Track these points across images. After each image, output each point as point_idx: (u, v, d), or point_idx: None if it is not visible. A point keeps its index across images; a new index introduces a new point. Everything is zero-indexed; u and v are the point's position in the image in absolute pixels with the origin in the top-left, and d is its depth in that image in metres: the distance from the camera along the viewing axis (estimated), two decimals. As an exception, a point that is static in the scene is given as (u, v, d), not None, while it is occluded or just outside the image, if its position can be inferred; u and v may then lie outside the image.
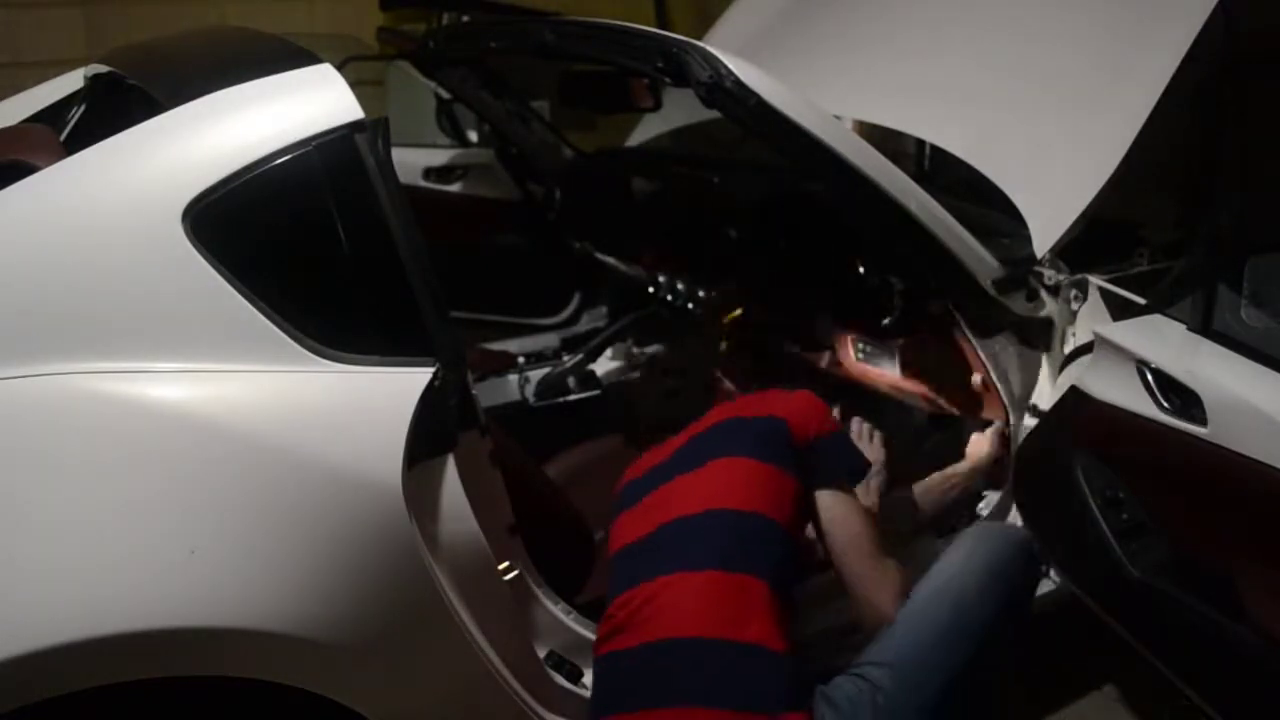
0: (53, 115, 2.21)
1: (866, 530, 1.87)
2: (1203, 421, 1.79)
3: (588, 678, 1.89)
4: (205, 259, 1.50)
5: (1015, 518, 2.30)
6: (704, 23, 3.35)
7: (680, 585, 1.72)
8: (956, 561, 1.87)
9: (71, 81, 2.29)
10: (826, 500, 1.87)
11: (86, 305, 1.48)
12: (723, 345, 2.94)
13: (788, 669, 1.68)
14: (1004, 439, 2.32)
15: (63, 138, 2.09)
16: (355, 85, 1.66)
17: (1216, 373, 1.80)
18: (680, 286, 3.01)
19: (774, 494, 1.82)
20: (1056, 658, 2.39)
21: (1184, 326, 1.91)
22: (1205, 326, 1.86)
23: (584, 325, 3.54)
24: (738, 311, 2.80)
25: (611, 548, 1.92)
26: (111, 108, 2.12)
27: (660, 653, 1.68)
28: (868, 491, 2.07)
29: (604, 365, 3.20)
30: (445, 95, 3.63)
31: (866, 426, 2.29)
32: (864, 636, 1.82)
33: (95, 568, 1.39)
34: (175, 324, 1.50)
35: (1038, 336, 2.28)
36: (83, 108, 2.21)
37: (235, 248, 1.52)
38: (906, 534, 2.23)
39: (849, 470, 1.93)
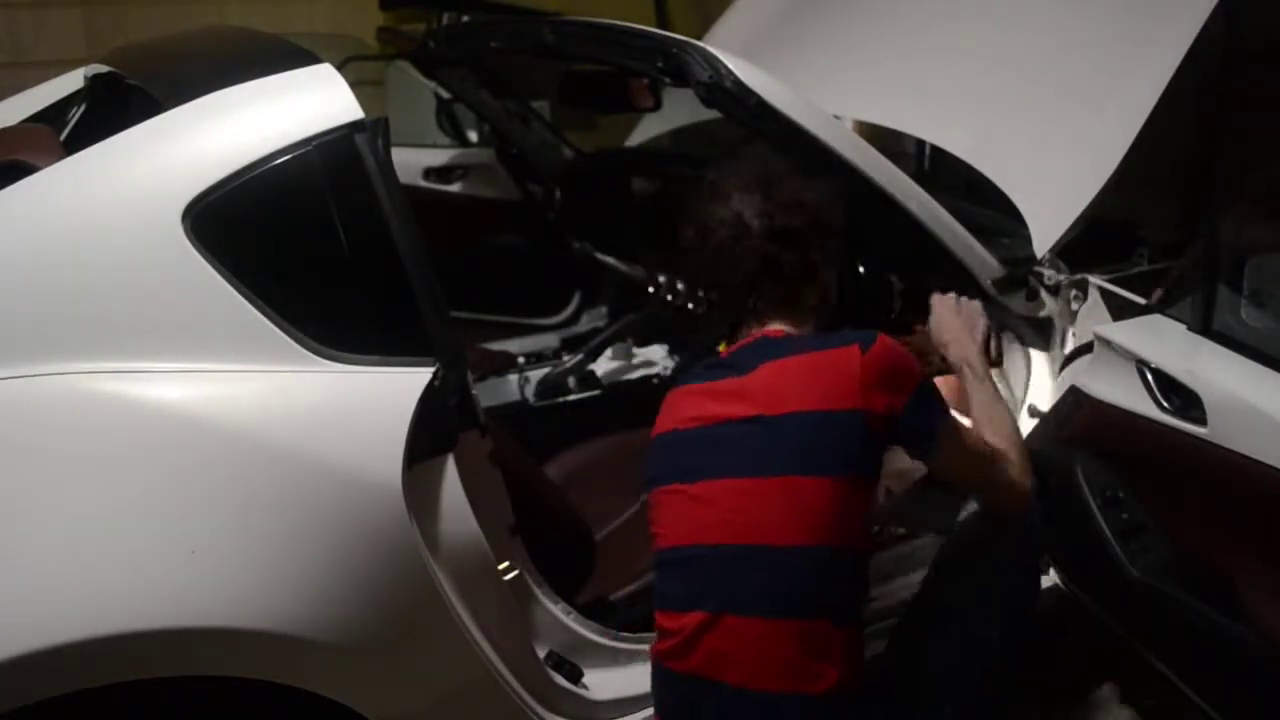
0: (53, 115, 2.21)
1: (978, 448, 1.76)
2: (1203, 421, 1.79)
3: (588, 678, 1.89)
4: (205, 259, 1.50)
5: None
6: (704, 23, 3.35)
7: (752, 631, 1.61)
8: (957, 591, 1.85)
9: (72, 81, 2.29)
10: (935, 457, 1.72)
11: (87, 305, 1.48)
12: (722, 346, 2.94)
13: (857, 710, 1.63)
14: None
15: (63, 138, 2.09)
16: (355, 85, 1.66)
17: (1216, 373, 1.80)
18: (680, 286, 3.01)
19: (858, 514, 1.66)
20: (1056, 658, 2.39)
21: (1184, 326, 1.91)
22: (1205, 326, 1.86)
23: (584, 325, 3.54)
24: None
25: (661, 529, 1.73)
26: (112, 108, 2.12)
27: (732, 701, 1.61)
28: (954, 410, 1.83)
29: (604, 365, 3.20)
30: (445, 95, 3.63)
31: (952, 301, 2.06)
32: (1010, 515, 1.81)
33: (96, 568, 1.39)
34: (175, 324, 1.50)
35: (1038, 336, 2.28)
36: (83, 108, 2.21)
37: (235, 248, 1.52)
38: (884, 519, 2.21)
39: (933, 434, 1.70)
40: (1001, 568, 1.86)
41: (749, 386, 1.68)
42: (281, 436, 1.49)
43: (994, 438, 1.82)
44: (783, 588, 1.61)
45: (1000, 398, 1.96)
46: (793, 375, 1.67)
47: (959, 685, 1.75)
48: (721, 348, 1.87)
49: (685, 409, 1.75)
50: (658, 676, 1.74)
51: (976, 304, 2.08)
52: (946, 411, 1.73)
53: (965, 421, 1.84)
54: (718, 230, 1.75)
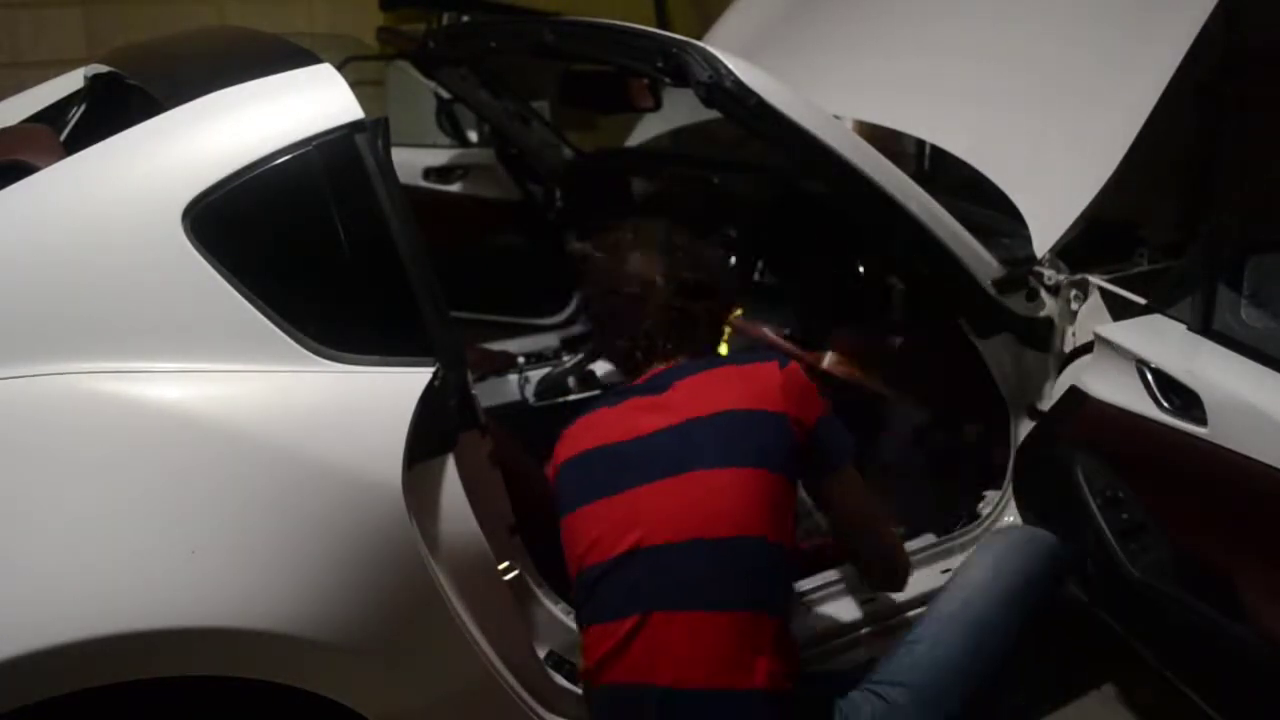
0: (53, 115, 2.21)
1: (871, 500, 1.85)
2: (1203, 421, 1.79)
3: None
4: (205, 259, 1.49)
5: (1015, 516, 2.30)
6: (704, 23, 3.35)
7: (681, 626, 1.62)
8: (980, 581, 1.86)
9: (72, 81, 2.28)
10: (835, 489, 1.81)
11: (87, 305, 1.48)
12: (722, 346, 2.94)
13: (789, 707, 1.64)
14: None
15: (63, 138, 2.09)
16: (355, 85, 1.66)
17: (1216, 373, 1.80)
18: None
19: (785, 511, 1.70)
20: (1057, 657, 2.39)
21: (1184, 326, 1.91)
22: (1205, 326, 1.86)
23: (584, 325, 3.54)
24: (738, 311, 2.80)
25: (580, 549, 1.73)
26: (111, 108, 2.12)
27: (662, 702, 1.61)
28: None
29: (604, 365, 3.20)
30: (445, 95, 3.63)
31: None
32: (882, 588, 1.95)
33: (96, 568, 1.39)
34: (175, 324, 1.50)
35: (1038, 336, 2.28)
36: (83, 108, 2.21)
37: (235, 247, 1.52)
38: None
39: (846, 452, 1.81)
40: (1026, 590, 1.87)
41: (668, 401, 1.77)
42: (281, 436, 1.49)
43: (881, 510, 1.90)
44: (711, 579, 1.64)
45: None
46: (715, 383, 1.78)
47: (971, 700, 1.75)
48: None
49: (597, 431, 1.82)
50: (590, 700, 1.75)
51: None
52: (852, 445, 1.83)
53: None
54: (625, 288, 1.88)
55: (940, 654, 1.75)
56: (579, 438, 1.84)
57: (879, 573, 1.92)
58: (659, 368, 1.86)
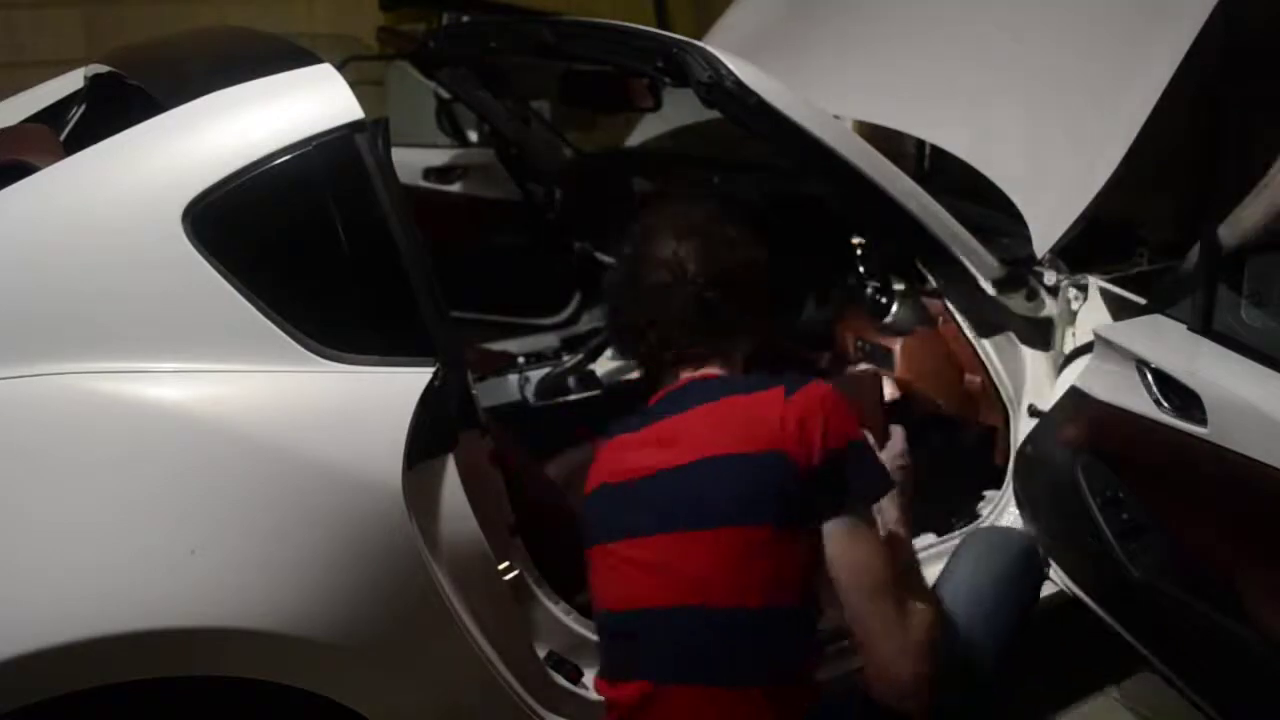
0: (53, 115, 2.22)
1: (873, 561, 1.52)
2: (1203, 421, 1.79)
3: (587, 678, 1.88)
4: (205, 259, 1.49)
5: (1015, 517, 2.30)
6: (704, 22, 3.35)
7: (687, 701, 1.54)
8: (962, 578, 1.85)
9: (71, 81, 2.29)
10: (829, 530, 1.53)
11: (86, 305, 1.48)
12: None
13: None
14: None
15: (62, 138, 2.09)
16: (355, 85, 1.66)
17: (1216, 373, 1.80)
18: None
19: (795, 567, 1.54)
20: (1058, 658, 2.39)
21: (1184, 326, 1.91)
22: (1205, 326, 1.86)
23: (584, 325, 3.54)
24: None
25: (594, 593, 1.67)
26: (111, 108, 2.12)
27: None
28: (883, 513, 1.65)
29: (604, 365, 3.20)
30: (445, 95, 3.62)
31: (898, 433, 1.83)
32: (873, 695, 1.52)
33: (95, 568, 1.39)
34: (175, 324, 1.50)
35: (1038, 336, 2.28)
36: (83, 108, 2.22)
37: (235, 247, 1.52)
38: None
39: (859, 495, 1.56)
40: (1007, 584, 1.88)
41: (678, 433, 1.62)
42: (281, 436, 1.49)
43: (914, 588, 1.62)
44: (717, 652, 1.52)
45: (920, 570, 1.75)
46: (719, 418, 1.60)
47: (959, 699, 1.71)
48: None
49: (614, 461, 1.69)
50: None
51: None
52: (881, 486, 1.59)
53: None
54: (654, 273, 1.70)
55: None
56: (599, 469, 1.71)
57: (875, 675, 1.53)
58: (682, 378, 1.71)
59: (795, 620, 1.57)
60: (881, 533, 1.60)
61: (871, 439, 1.66)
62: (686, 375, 1.72)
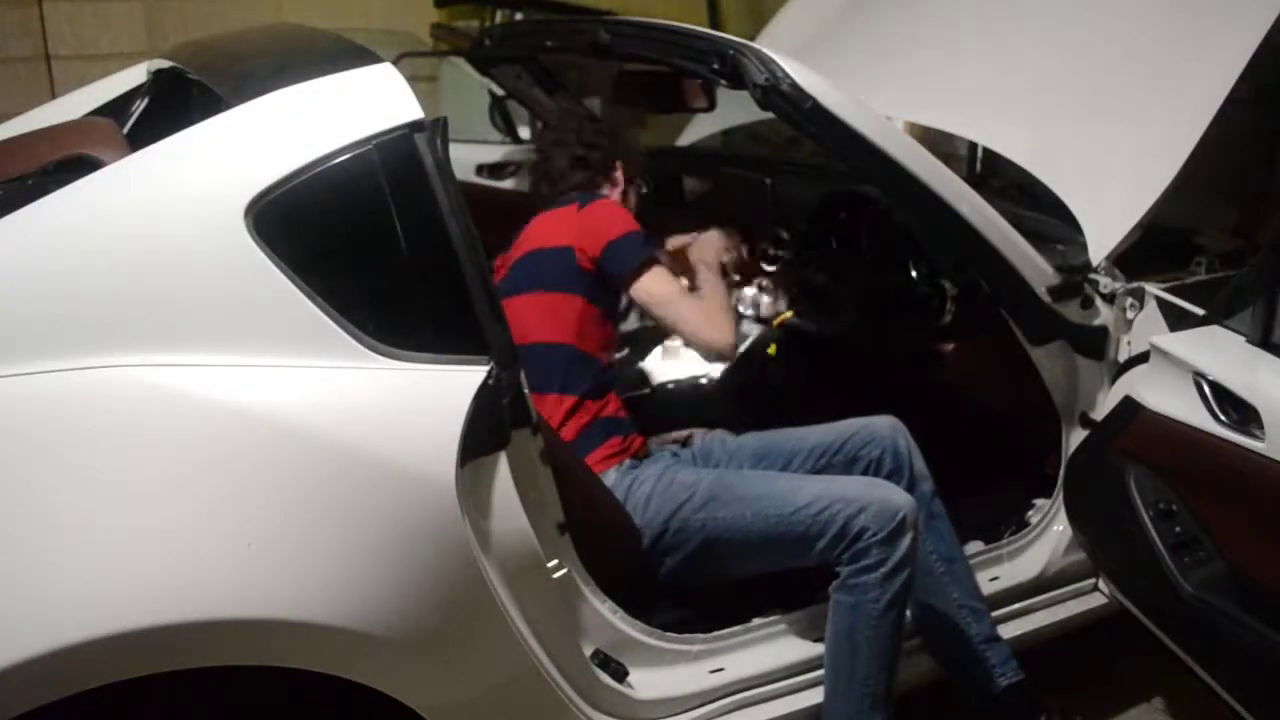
0: (116, 109, 2.25)
1: (660, 288, 2.18)
2: (1260, 436, 1.77)
3: (633, 676, 1.90)
4: (267, 256, 1.51)
5: (1064, 525, 2.29)
6: (756, 22, 3.34)
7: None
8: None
9: (134, 76, 2.32)
10: (632, 294, 2.19)
11: (149, 299, 1.50)
12: (772, 348, 2.94)
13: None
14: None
15: (125, 130, 2.13)
16: (409, 81, 1.67)
17: (1276, 386, 1.78)
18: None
19: (589, 324, 2.16)
20: (1105, 666, 2.37)
21: (1243, 338, 1.88)
22: (1265, 339, 1.84)
23: (633, 322, 3.55)
24: (789, 313, 2.80)
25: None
26: (174, 102, 2.16)
27: None
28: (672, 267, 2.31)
29: (651, 363, 3.21)
30: (498, 92, 3.64)
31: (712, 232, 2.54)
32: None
33: (156, 559, 1.42)
34: (236, 319, 1.52)
35: (1092, 345, 2.25)
36: (145, 102, 2.25)
37: (296, 245, 1.54)
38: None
39: (636, 265, 2.16)
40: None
41: (530, 231, 2.30)
42: (339, 432, 1.51)
43: (710, 295, 2.29)
44: (546, 367, 2.10)
45: (723, 288, 2.39)
46: (544, 221, 2.28)
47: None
48: None
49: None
50: None
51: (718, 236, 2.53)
52: (654, 254, 2.21)
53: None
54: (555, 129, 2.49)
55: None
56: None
57: (702, 341, 2.24)
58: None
59: (586, 360, 2.17)
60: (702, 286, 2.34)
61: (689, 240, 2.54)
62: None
